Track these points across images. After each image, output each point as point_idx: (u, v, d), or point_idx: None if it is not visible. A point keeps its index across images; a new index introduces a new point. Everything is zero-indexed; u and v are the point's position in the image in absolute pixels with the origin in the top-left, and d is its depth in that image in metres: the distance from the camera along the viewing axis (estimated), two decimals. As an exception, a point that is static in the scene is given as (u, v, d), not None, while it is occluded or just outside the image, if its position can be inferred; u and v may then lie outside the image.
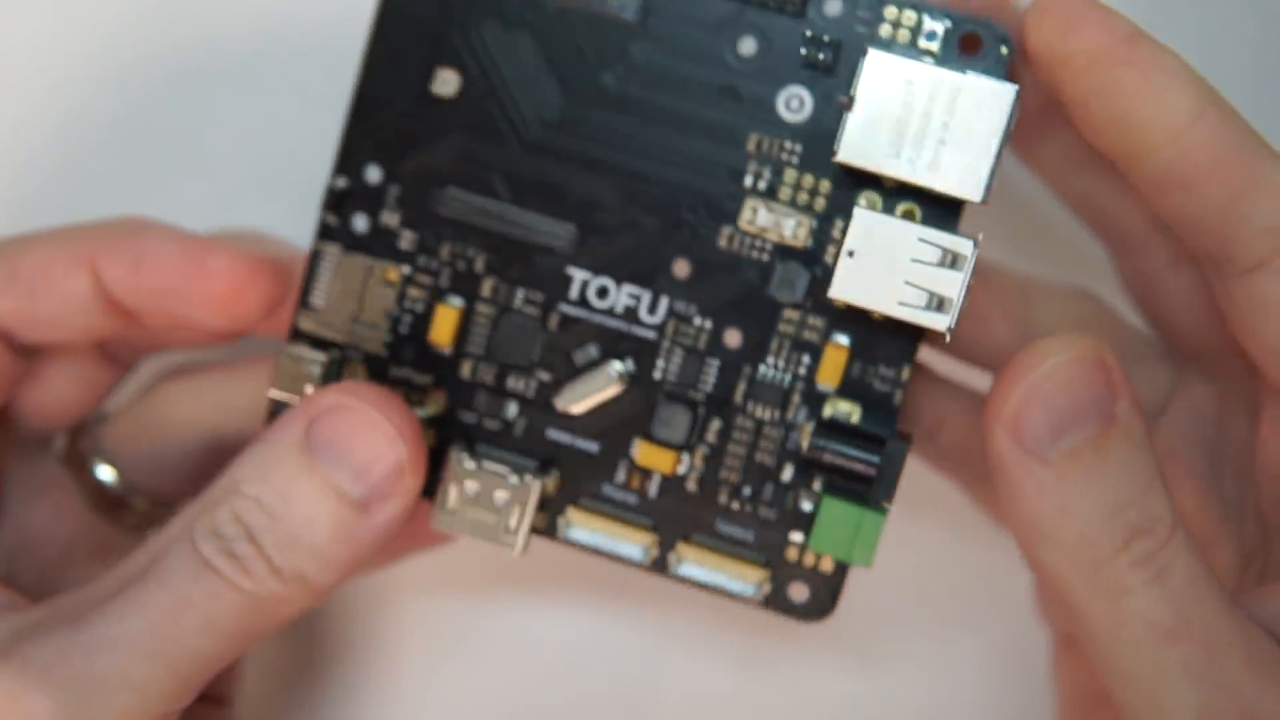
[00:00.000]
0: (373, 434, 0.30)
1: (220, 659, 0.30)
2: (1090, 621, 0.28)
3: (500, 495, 0.31)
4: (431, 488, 0.32)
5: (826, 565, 0.32)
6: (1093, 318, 0.34)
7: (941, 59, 0.30)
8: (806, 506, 0.32)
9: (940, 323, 0.29)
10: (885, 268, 0.29)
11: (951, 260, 0.29)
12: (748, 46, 0.31)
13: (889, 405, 0.31)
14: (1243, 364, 0.31)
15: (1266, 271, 0.29)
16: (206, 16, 0.39)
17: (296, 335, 0.32)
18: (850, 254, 0.29)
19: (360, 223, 0.32)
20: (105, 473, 0.35)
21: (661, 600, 0.40)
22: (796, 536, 0.32)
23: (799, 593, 0.32)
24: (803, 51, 0.30)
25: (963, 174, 0.28)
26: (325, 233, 0.32)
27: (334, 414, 0.30)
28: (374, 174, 0.32)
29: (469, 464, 0.31)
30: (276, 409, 0.32)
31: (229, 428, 0.35)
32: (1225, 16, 0.37)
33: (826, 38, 0.30)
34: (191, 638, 0.29)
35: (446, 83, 0.32)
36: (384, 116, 0.32)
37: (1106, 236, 0.33)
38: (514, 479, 0.31)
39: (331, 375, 0.32)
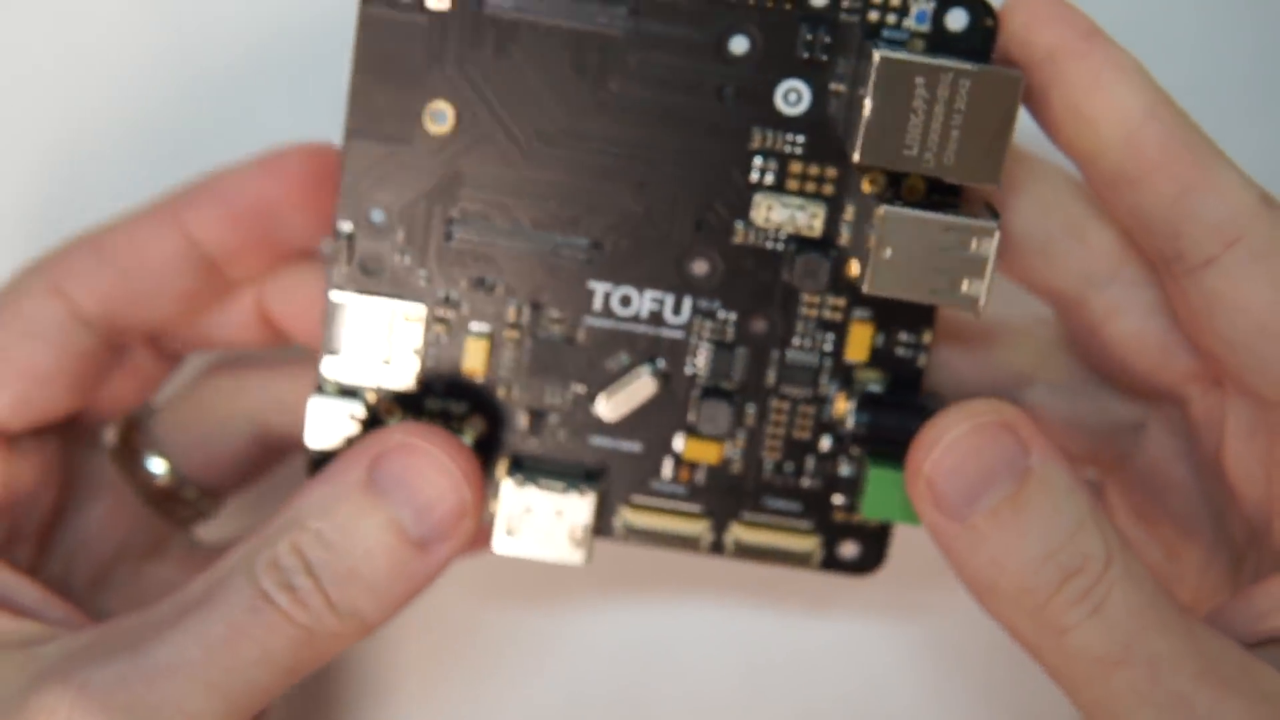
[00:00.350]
0: (437, 475, 0.30)
1: (272, 691, 0.30)
2: (1043, 661, 0.29)
3: (557, 509, 0.32)
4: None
5: (872, 522, 0.33)
6: (1056, 344, 0.35)
7: (931, 38, 0.30)
8: (845, 471, 0.33)
9: (971, 303, 0.30)
10: (914, 259, 0.30)
11: (976, 242, 0.30)
12: (740, 46, 0.31)
13: (915, 370, 0.32)
14: (1201, 385, 0.33)
15: (1216, 267, 0.30)
16: (219, 22, 0.38)
17: (324, 385, 0.33)
18: (883, 251, 0.30)
19: (373, 267, 0.32)
20: (157, 465, 0.36)
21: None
22: (840, 500, 0.33)
23: (849, 550, 0.34)
24: (794, 45, 0.31)
25: (980, 162, 0.29)
26: (338, 280, 0.32)
27: (399, 452, 0.30)
28: (378, 215, 0.32)
29: (521, 485, 0.32)
30: (318, 460, 0.32)
31: (276, 421, 0.36)
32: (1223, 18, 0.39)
33: (816, 29, 0.31)
34: (247, 669, 0.30)
35: (441, 117, 0.31)
36: (380, 158, 0.31)
37: (1045, 297, 0.34)
38: (569, 494, 0.32)
39: (371, 424, 0.32)
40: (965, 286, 0.30)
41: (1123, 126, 0.30)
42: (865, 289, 0.30)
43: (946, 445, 0.29)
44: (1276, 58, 0.39)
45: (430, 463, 0.30)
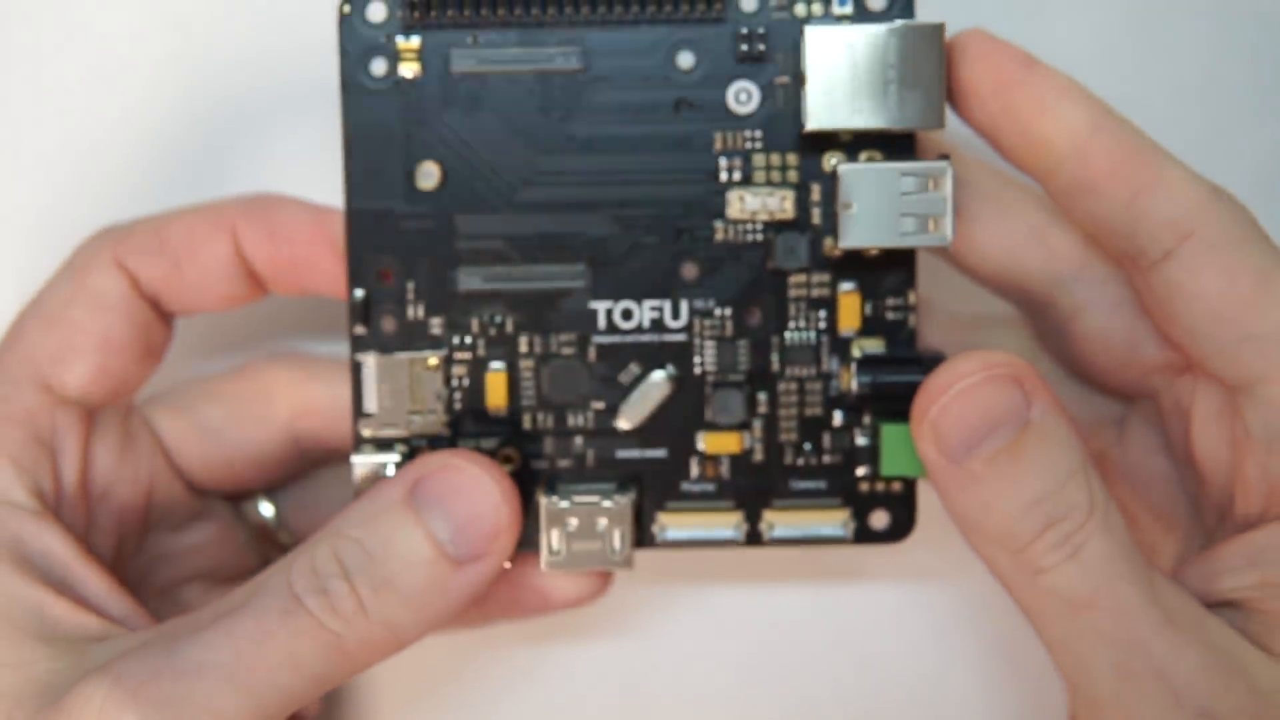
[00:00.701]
0: (478, 494, 0.32)
1: (301, 698, 0.31)
2: (1017, 598, 0.31)
3: (598, 523, 0.34)
4: (529, 539, 0.34)
5: (897, 487, 0.35)
6: (1029, 346, 0.37)
7: (858, 20, 0.33)
8: (862, 441, 0.35)
9: (941, 240, 0.32)
10: (880, 208, 0.32)
11: (934, 183, 0.32)
12: (686, 60, 0.34)
13: (906, 330, 0.34)
14: (1169, 376, 0.35)
15: (1173, 259, 0.32)
16: (236, 59, 0.41)
17: (361, 443, 0.35)
18: (846, 206, 0.32)
19: (388, 324, 0.34)
20: (265, 508, 0.38)
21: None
22: (861, 471, 0.35)
23: (880, 520, 0.35)
24: (735, 49, 0.34)
25: (919, 108, 0.32)
26: (359, 343, 0.34)
27: (441, 472, 0.32)
28: (387, 278, 0.34)
29: (560, 503, 0.34)
30: None
31: (310, 426, 0.38)
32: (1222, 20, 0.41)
33: (752, 31, 0.34)
34: (274, 672, 0.30)
35: (429, 175, 0.34)
36: (379, 223, 0.34)
37: (1014, 300, 0.37)
38: (605, 503, 0.34)
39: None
40: (932, 225, 0.32)
41: (1071, 141, 0.32)
42: (840, 245, 0.32)
43: (955, 392, 0.31)
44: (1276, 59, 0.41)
45: (470, 481, 0.32)
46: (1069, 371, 0.37)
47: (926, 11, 0.33)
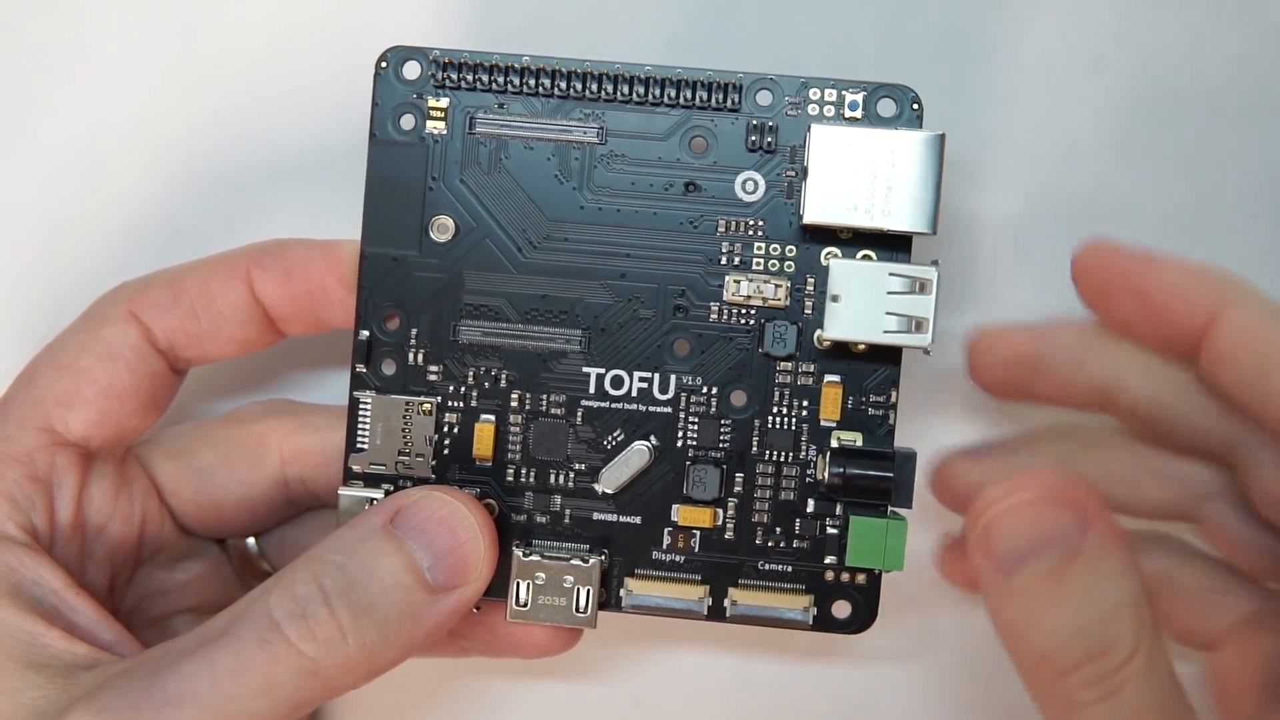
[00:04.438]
0: (458, 525, 0.33)
1: None
2: (1045, 716, 0.31)
3: (565, 580, 0.35)
4: (500, 587, 0.35)
5: (861, 579, 0.36)
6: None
7: (866, 123, 0.35)
8: (832, 531, 0.36)
9: (922, 341, 0.33)
10: (866, 304, 0.33)
11: (920, 286, 0.33)
12: (700, 145, 0.35)
13: (886, 426, 0.35)
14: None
15: None
16: (241, 121, 0.42)
17: (351, 477, 0.36)
18: (835, 299, 0.33)
19: (389, 367, 0.36)
20: (251, 542, 0.39)
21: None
22: (829, 559, 0.36)
23: (842, 610, 0.36)
24: (747, 140, 0.35)
25: (914, 213, 0.33)
26: (359, 382, 0.36)
27: (424, 502, 0.33)
28: (393, 322, 0.36)
29: (531, 558, 0.35)
30: None
31: (300, 473, 0.39)
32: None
33: (764, 124, 0.35)
34: (251, 700, 0.31)
35: (444, 229, 0.36)
36: (391, 269, 0.36)
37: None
38: (575, 562, 0.35)
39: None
40: (914, 327, 0.33)
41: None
42: (824, 335, 0.33)
43: (1008, 506, 0.30)
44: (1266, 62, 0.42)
45: (450, 513, 0.33)
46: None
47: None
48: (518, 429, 0.36)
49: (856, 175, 0.33)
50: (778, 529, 0.36)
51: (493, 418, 0.36)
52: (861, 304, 0.33)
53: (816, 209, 0.34)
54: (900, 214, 0.33)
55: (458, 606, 0.33)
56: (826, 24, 0.40)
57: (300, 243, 0.37)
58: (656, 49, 0.41)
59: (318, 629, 0.31)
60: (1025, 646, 0.30)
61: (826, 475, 0.35)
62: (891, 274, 0.33)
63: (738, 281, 0.35)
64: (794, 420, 0.36)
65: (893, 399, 0.35)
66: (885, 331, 0.33)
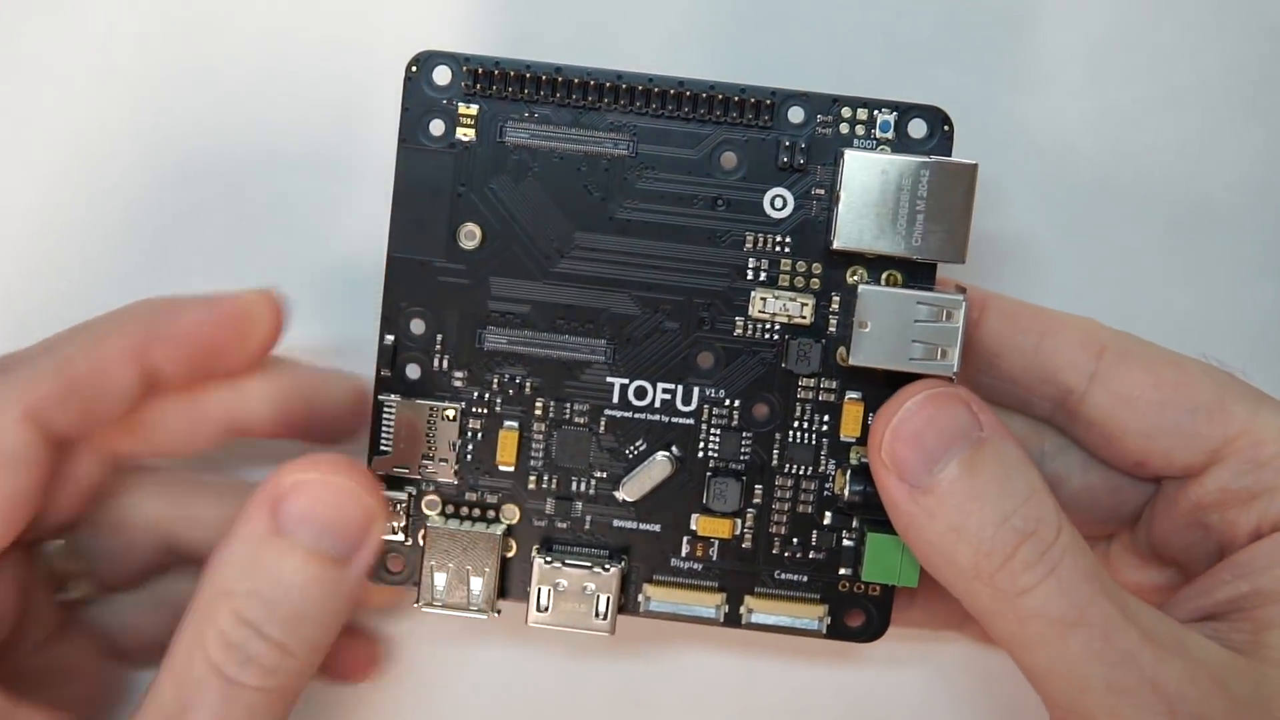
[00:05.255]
0: (337, 496, 0.33)
1: None
2: (999, 629, 0.32)
3: (585, 586, 0.35)
4: (519, 591, 0.36)
5: (875, 591, 0.36)
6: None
7: (897, 145, 0.35)
8: (848, 543, 0.36)
9: (947, 369, 0.34)
10: (893, 332, 0.34)
11: (947, 315, 0.33)
12: (729, 161, 0.35)
13: None
14: None
15: (1098, 378, 0.35)
16: (241, 121, 0.42)
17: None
18: (862, 325, 0.34)
19: (413, 371, 0.36)
20: (56, 547, 0.38)
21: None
22: (844, 571, 0.36)
23: (855, 620, 0.37)
24: (777, 157, 0.35)
25: (944, 243, 0.33)
26: (383, 385, 0.36)
27: (295, 492, 0.33)
28: (418, 326, 0.36)
29: (552, 564, 0.35)
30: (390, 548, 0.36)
31: (187, 537, 0.39)
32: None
33: (795, 143, 0.35)
34: None
35: (471, 236, 0.36)
36: (417, 274, 0.36)
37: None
38: (595, 569, 0.35)
39: (414, 509, 0.36)
40: (940, 355, 0.34)
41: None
42: (850, 360, 0.34)
43: (905, 413, 0.32)
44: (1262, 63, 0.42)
45: (328, 487, 0.33)
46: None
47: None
48: (541, 436, 0.36)
49: (885, 201, 0.34)
50: (795, 540, 0.36)
51: (516, 424, 0.36)
52: (888, 331, 0.34)
53: (847, 235, 0.34)
54: (931, 244, 0.34)
55: (370, 559, 0.33)
56: (828, 24, 0.41)
57: (190, 304, 0.37)
58: (656, 49, 0.41)
59: (265, 660, 0.32)
60: (959, 552, 0.31)
61: (847, 493, 0.35)
62: (919, 302, 0.34)
63: (764, 298, 0.35)
64: (814, 435, 0.36)
65: None
66: (911, 359, 0.34)
